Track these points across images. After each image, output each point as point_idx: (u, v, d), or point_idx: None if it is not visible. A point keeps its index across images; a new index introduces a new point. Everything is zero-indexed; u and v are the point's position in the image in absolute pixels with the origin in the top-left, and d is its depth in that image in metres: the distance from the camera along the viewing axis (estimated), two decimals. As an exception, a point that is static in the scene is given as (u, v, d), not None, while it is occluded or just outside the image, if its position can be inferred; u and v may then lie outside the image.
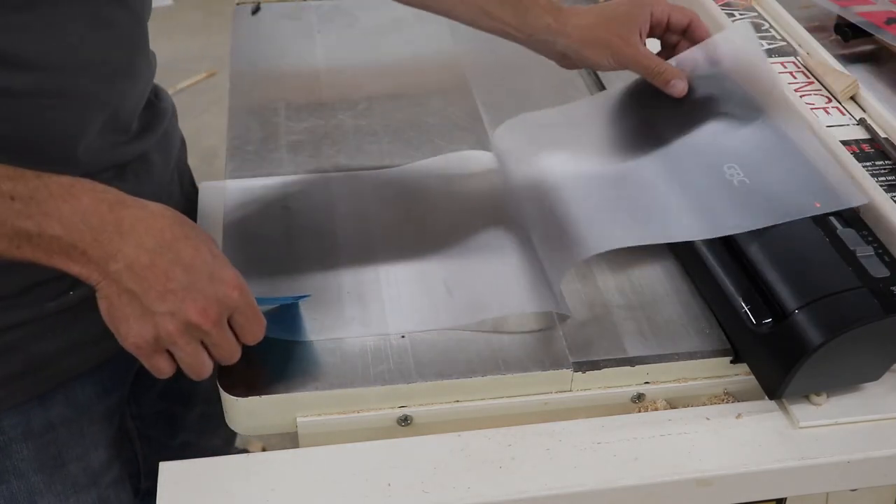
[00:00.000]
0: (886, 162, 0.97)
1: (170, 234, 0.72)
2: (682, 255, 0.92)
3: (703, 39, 0.99)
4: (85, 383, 0.95)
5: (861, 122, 1.04)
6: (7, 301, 0.86)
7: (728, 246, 0.86)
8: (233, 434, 0.91)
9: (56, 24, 0.80)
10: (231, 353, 0.76)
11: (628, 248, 0.88)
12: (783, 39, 1.20)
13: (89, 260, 0.71)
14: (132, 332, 0.73)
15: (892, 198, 0.90)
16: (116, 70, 0.88)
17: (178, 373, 1.12)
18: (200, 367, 0.75)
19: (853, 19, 1.20)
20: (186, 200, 1.05)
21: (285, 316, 0.85)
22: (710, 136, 0.95)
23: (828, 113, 1.05)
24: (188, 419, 1.17)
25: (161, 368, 0.76)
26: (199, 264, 0.73)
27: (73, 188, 0.72)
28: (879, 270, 0.81)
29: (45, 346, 0.90)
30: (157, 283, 0.71)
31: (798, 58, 1.16)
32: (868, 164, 0.96)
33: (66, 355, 0.92)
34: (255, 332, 0.77)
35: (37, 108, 0.81)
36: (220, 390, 0.80)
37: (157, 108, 1.01)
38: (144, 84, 0.95)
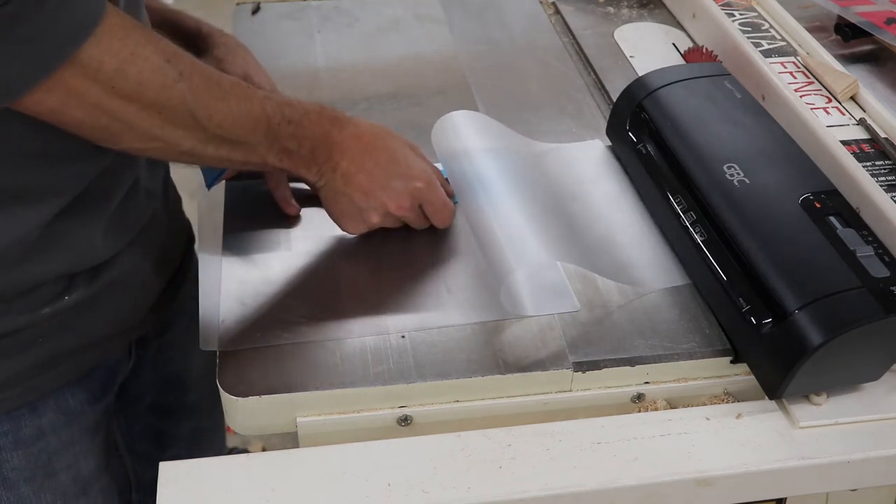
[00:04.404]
0: (886, 162, 0.97)
1: (372, 146, 0.90)
2: (682, 254, 0.92)
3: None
4: (75, 390, 0.95)
5: (861, 122, 1.04)
6: (2, 306, 0.86)
7: (728, 246, 0.86)
8: (225, 450, 0.91)
9: None
10: (425, 225, 0.95)
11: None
12: (783, 39, 1.20)
13: (320, 169, 0.90)
14: (349, 226, 0.93)
15: (892, 198, 0.90)
16: None
17: (163, 388, 1.11)
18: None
19: (853, 19, 1.20)
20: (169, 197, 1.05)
21: None
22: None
23: (828, 113, 1.05)
24: (178, 434, 1.16)
25: None
26: (394, 167, 0.90)
27: (322, 117, 0.89)
28: (879, 270, 0.80)
29: (38, 353, 0.89)
30: (361, 185, 0.89)
31: (798, 58, 1.16)
32: (868, 164, 0.96)
33: (59, 362, 0.91)
34: (443, 218, 0.94)
35: None
36: (221, 390, 0.80)
37: None
38: None
